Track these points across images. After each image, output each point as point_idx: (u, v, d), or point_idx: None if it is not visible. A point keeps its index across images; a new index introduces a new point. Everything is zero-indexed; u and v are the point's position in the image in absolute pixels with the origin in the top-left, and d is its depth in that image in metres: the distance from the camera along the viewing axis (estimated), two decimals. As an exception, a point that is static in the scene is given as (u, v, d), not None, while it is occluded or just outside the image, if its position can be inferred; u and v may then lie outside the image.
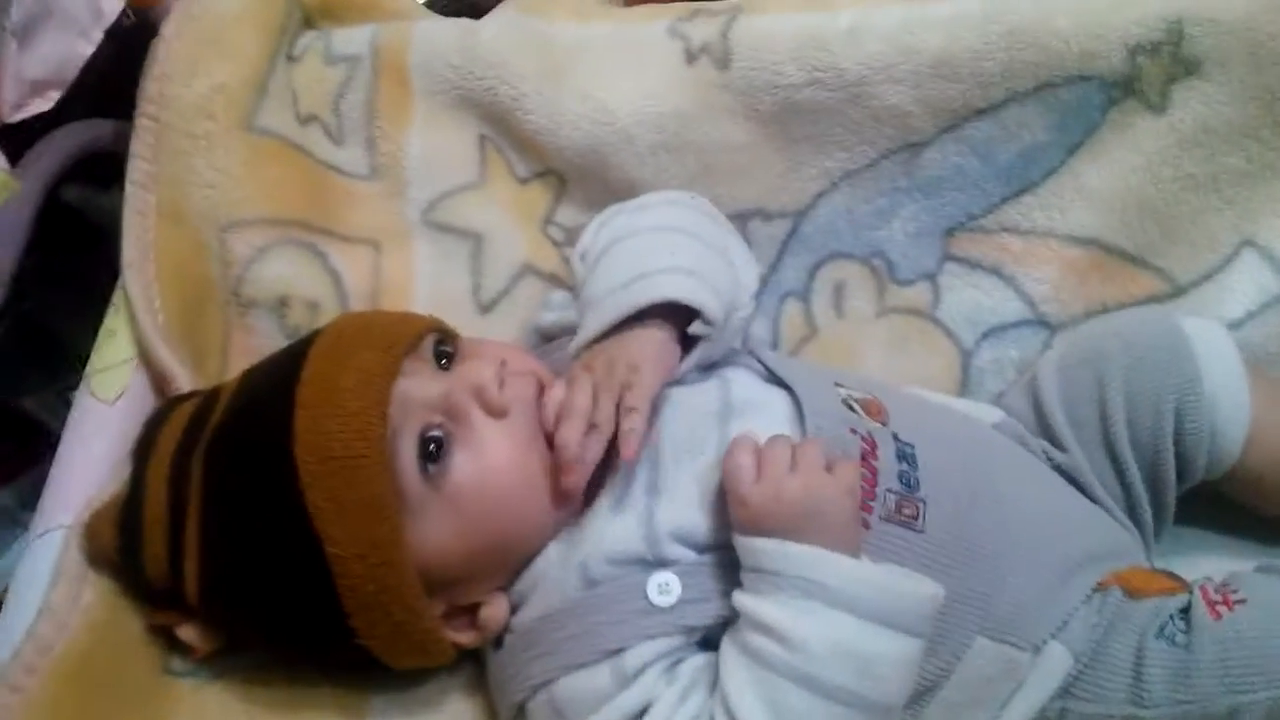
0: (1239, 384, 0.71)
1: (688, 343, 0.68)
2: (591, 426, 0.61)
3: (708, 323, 0.66)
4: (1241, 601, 0.63)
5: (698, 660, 0.59)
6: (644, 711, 0.57)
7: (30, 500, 0.77)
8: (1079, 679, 0.63)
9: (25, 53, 0.78)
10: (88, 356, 0.74)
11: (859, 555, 0.57)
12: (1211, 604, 0.63)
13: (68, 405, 0.73)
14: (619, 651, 0.58)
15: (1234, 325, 0.77)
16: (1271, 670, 0.59)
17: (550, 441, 0.61)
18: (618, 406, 0.61)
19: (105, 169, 0.83)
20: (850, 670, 0.54)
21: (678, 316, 0.66)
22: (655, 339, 0.66)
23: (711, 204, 0.79)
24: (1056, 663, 0.64)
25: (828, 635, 0.55)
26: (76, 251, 0.87)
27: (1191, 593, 0.65)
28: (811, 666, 0.54)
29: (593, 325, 0.66)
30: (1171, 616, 0.64)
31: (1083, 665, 0.63)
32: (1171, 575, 0.68)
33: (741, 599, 0.57)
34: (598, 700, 0.58)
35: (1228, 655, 0.60)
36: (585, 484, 0.61)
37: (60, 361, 0.88)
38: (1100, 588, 0.66)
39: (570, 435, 0.60)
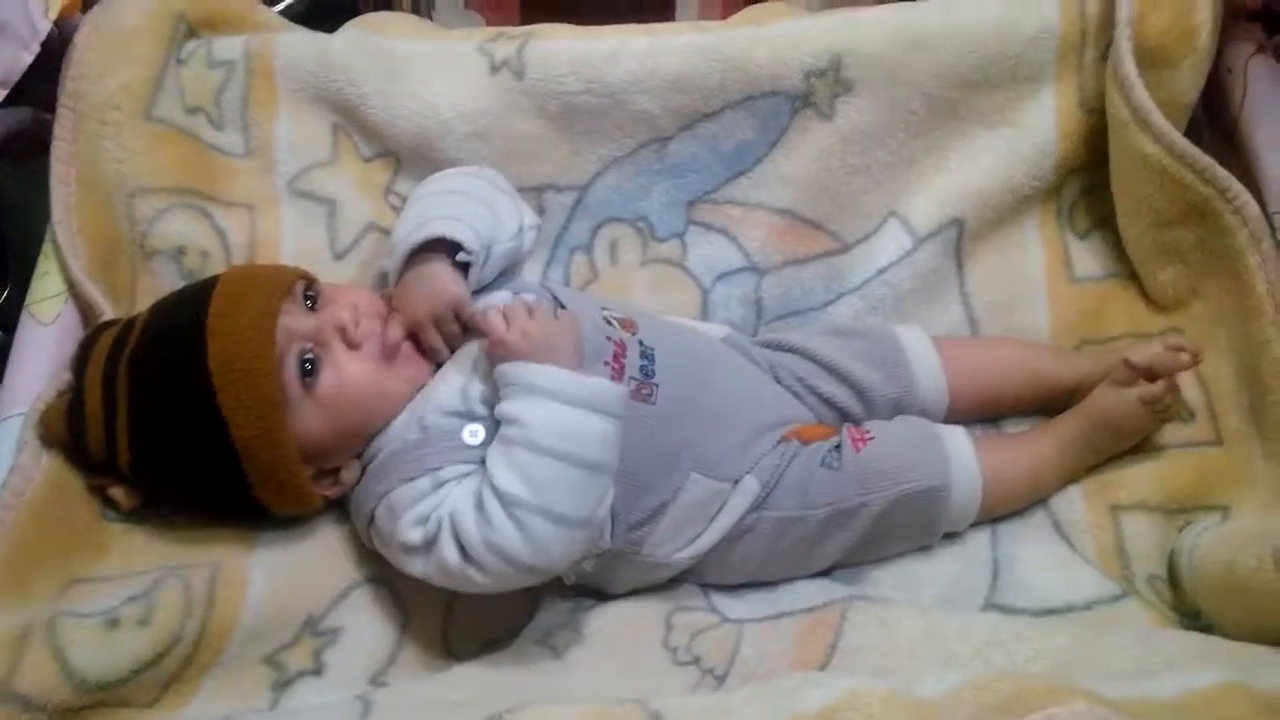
0: (935, 371, 0.97)
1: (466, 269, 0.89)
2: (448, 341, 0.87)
3: (469, 252, 0.87)
4: (872, 439, 0.91)
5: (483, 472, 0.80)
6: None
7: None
8: (766, 498, 0.88)
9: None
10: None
11: (578, 369, 0.79)
12: (854, 440, 0.91)
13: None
14: (437, 469, 0.81)
15: (881, 270, 1.02)
16: (883, 482, 0.88)
17: (390, 356, 0.86)
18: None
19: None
20: (558, 435, 0.77)
21: (451, 251, 0.87)
22: (446, 276, 0.87)
23: (500, 175, 0.97)
24: (749, 489, 0.88)
25: (542, 414, 0.77)
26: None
27: (841, 434, 0.92)
28: (534, 435, 0.77)
29: (393, 263, 0.89)
30: (829, 451, 0.91)
31: (768, 490, 0.89)
32: (829, 425, 0.96)
33: (498, 405, 0.80)
34: (417, 498, 0.81)
35: (861, 473, 0.89)
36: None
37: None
38: (784, 439, 0.92)
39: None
